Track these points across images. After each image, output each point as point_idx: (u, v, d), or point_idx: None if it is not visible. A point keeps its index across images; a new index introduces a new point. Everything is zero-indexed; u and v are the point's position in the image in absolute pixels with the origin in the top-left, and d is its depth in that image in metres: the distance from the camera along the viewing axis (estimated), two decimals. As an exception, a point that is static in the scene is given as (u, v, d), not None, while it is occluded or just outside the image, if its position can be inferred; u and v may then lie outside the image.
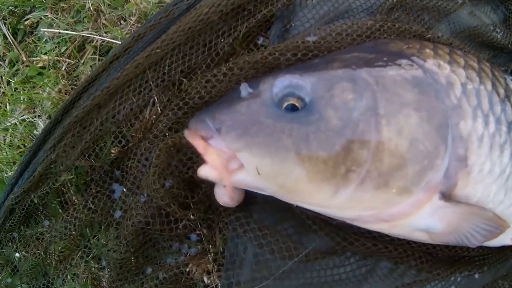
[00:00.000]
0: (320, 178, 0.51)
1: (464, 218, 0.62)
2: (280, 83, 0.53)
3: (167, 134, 0.68)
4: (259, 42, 0.71)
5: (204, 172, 0.56)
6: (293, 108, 0.53)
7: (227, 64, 0.65)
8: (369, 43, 0.68)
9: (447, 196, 0.60)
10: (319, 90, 0.53)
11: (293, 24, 0.71)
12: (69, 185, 0.75)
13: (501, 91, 0.71)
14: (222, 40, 0.70)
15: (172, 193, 0.65)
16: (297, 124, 0.51)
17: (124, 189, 0.71)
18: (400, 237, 0.68)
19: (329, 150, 0.51)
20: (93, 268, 0.74)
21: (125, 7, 0.83)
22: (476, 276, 0.79)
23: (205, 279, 0.69)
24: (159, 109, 0.72)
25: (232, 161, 0.52)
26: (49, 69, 0.83)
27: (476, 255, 0.79)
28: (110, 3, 0.84)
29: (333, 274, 0.67)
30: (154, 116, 0.72)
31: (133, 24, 0.81)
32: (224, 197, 0.63)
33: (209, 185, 0.65)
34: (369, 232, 0.68)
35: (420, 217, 0.60)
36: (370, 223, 0.61)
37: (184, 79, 0.70)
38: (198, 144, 0.54)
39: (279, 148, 0.50)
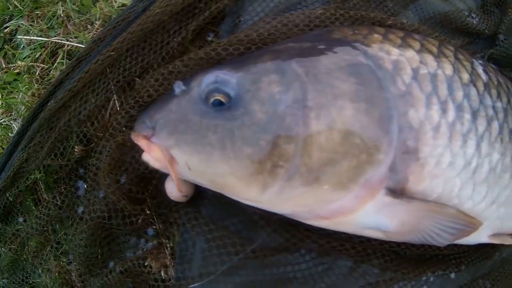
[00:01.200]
0: (246, 174, 0.51)
1: (422, 216, 0.58)
2: (207, 79, 0.54)
3: (123, 132, 0.71)
4: (209, 38, 0.73)
5: (147, 159, 0.58)
6: (220, 104, 0.53)
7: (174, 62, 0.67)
8: (312, 32, 0.67)
9: (397, 192, 0.57)
10: (245, 84, 0.53)
11: (242, 19, 0.72)
12: (40, 183, 0.80)
13: (465, 75, 0.67)
14: (173, 39, 0.72)
15: (123, 189, 0.67)
16: (222, 120, 0.52)
17: (85, 186, 0.75)
18: (351, 234, 0.67)
19: (254, 145, 0.50)
20: (62, 262, 0.78)
21: (91, 12, 0.87)
22: (452, 275, 0.76)
23: (163, 273, 0.71)
24: (118, 108, 0.75)
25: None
26: (24, 75, 0.89)
27: (451, 253, 0.76)
28: (78, 9, 0.88)
29: (286, 271, 0.66)
30: (114, 116, 0.75)
31: (97, 29, 0.85)
32: (173, 191, 0.65)
33: (161, 180, 0.67)
34: (324, 229, 0.66)
35: (364, 215, 0.57)
36: (310, 219, 0.60)
37: (137, 79, 0.72)
38: (141, 143, 0.56)
39: (205, 145, 0.52)
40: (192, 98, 0.54)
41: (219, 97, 0.53)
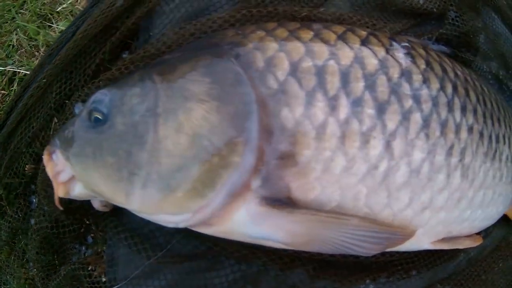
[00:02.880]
0: (111, 182, 0.58)
1: (316, 226, 0.55)
2: (91, 99, 0.64)
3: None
4: (124, 56, 0.82)
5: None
6: (99, 121, 0.61)
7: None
8: (194, 41, 0.70)
9: (281, 201, 0.56)
10: (115, 101, 0.60)
11: (151, 34, 0.79)
12: (3, 199, 0.96)
13: (372, 62, 0.62)
14: (94, 61, 0.83)
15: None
16: (96, 134, 0.60)
17: (35, 200, 0.89)
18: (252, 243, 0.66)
19: (113, 155, 0.57)
20: (26, 269, 0.93)
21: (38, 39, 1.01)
22: (400, 282, 0.76)
23: (103, 277, 0.83)
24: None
25: (62, 173, 0.64)
26: (-14, 102, 1.06)
27: (394, 259, 0.76)
28: (29, 37, 1.03)
29: (205, 277, 0.72)
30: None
31: (42, 55, 0.98)
32: (96, 202, 0.76)
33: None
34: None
35: (242, 225, 0.57)
36: (194, 227, 0.62)
37: (67, 101, 0.84)
38: (44, 158, 0.66)
39: (83, 157, 0.61)
40: (82, 117, 0.63)
41: (97, 114, 0.60)
